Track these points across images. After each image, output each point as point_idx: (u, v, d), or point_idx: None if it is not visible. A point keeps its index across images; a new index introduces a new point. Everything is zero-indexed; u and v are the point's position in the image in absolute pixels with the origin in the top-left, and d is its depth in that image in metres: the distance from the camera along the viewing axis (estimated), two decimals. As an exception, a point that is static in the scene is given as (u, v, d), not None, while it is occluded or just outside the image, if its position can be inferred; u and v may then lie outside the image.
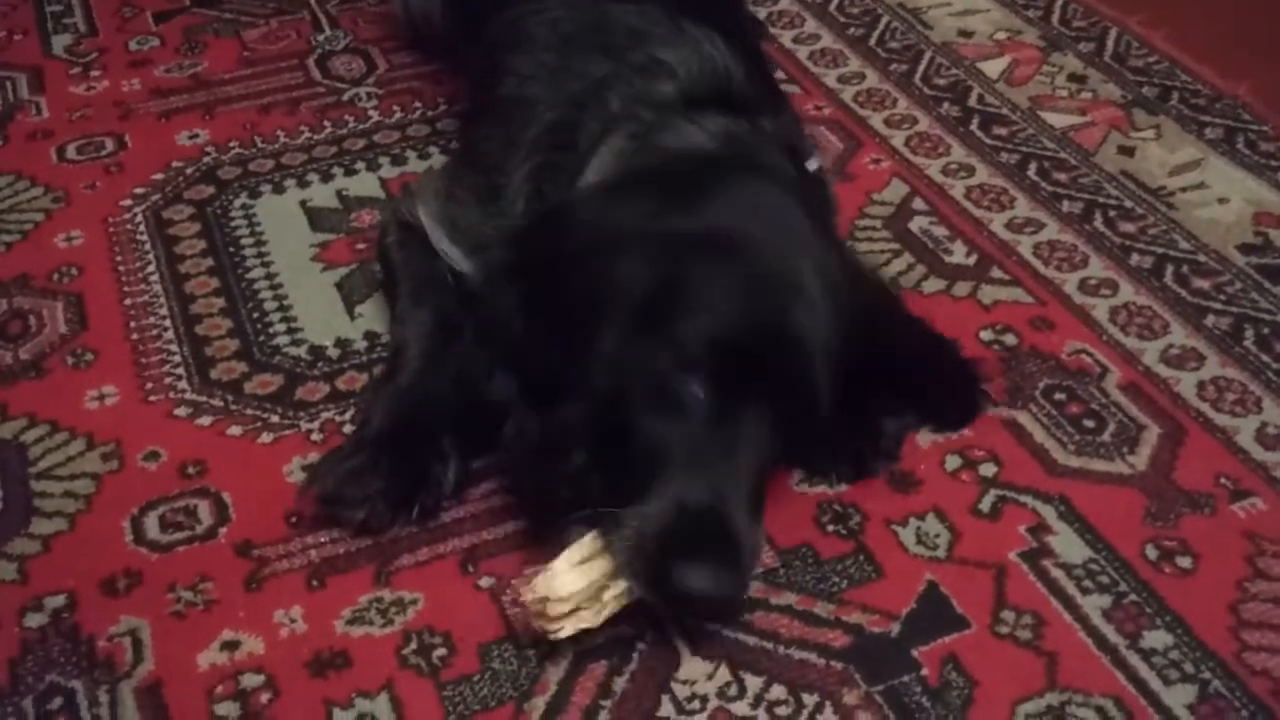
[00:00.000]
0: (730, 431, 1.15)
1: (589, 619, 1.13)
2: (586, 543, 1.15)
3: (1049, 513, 1.28)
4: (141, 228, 1.69)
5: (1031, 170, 1.76)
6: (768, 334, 1.16)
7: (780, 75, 1.97)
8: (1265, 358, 1.45)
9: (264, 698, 1.13)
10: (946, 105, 1.90)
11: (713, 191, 1.24)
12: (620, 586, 1.14)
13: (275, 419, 1.40)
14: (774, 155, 1.37)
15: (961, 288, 1.56)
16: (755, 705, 1.12)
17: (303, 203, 1.73)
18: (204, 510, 1.30)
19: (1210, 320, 1.51)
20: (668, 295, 1.17)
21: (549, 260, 1.25)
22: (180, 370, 1.46)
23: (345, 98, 1.95)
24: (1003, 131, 1.84)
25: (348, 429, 1.38)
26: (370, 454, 1.27)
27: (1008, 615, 1.18)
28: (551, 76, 1.50)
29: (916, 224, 1.67)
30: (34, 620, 1.20)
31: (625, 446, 1.16)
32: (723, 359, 1.15)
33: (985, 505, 1.29)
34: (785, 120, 1.51)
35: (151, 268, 1.62)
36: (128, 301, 1.57)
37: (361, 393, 1.42)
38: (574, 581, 1.12)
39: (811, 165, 1.45)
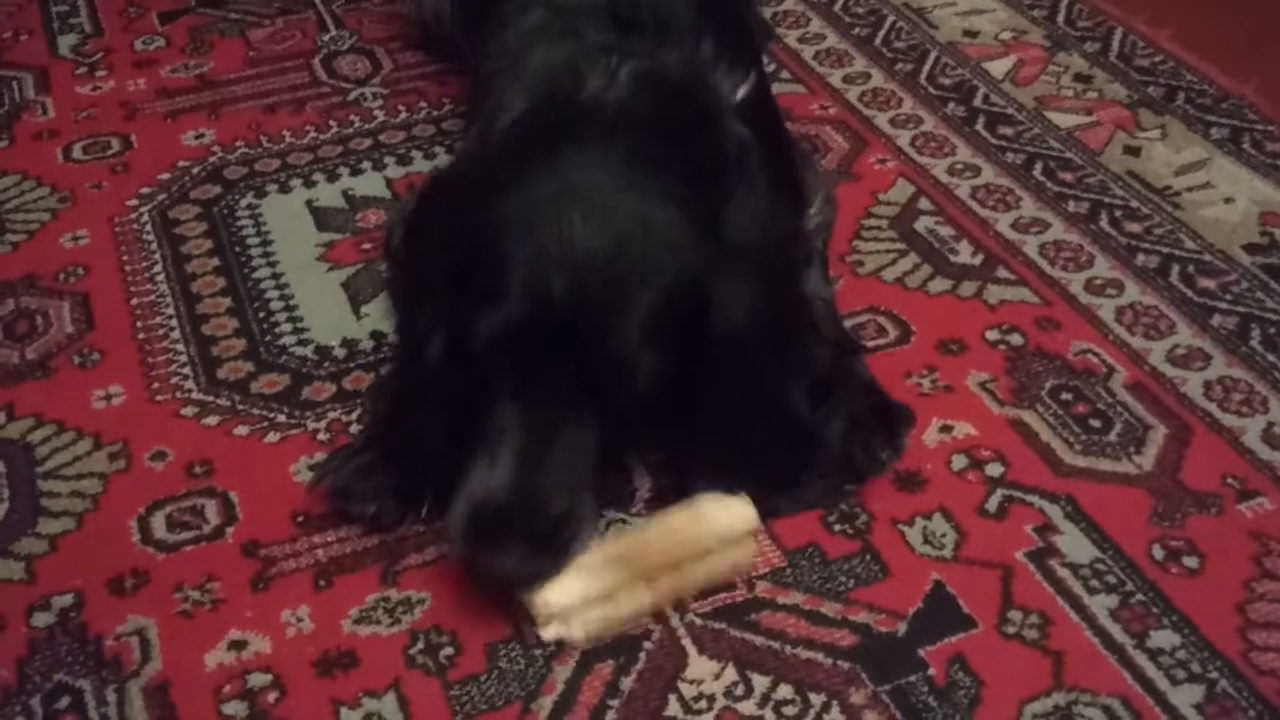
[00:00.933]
0: (533, 412, 1.17)
1: (573, 630, 1.15)
2: (599, 551, 1.15)
3: (1055, 512, 1.28)
4: (148, 227, 1.69)
5: (1037, 170, 1.76)
6: (545, 315, 1.15)
7: (785, 74, 1.98)
8: (1272, 357, 1.45)
9: (271, 697, 1.13)
10: (952, 105, 1.90)
11: (526, 171, 1.22)
12: (612, 608, 1.15)
13: (282, 419, 1.40)
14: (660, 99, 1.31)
15: (967, 287, 1.56)
16: (762, 705, 1.12)
17: (309, 202, 1.73)
18: (211, 510, 1.30)
19: (1216, 320, 1.51)
20: (461, 282, 1.20)
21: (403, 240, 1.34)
22: (187, 370, 1.47)
23: (351, 98, 1.95)
24: (1008, 131, 1.84)
25: (354, 429, 1.38)
26: (380, 450, 1.28)
27: (1014, 615, 1.18)
28: (515, 65, 1.49)
29: (922, 224, 1.67)
30: (41, 619, 1.20)
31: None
32: (507, 344, 1.16)
33: (992, 505, 1.29)
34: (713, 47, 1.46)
35: (158, 267, 1.62)
36: (134, 301, 1.57)
37: (368, 391, 1.42)
38: (568, 590, 1.14)
39: (739, 94, 1.44)
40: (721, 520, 1.19)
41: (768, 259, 1.27)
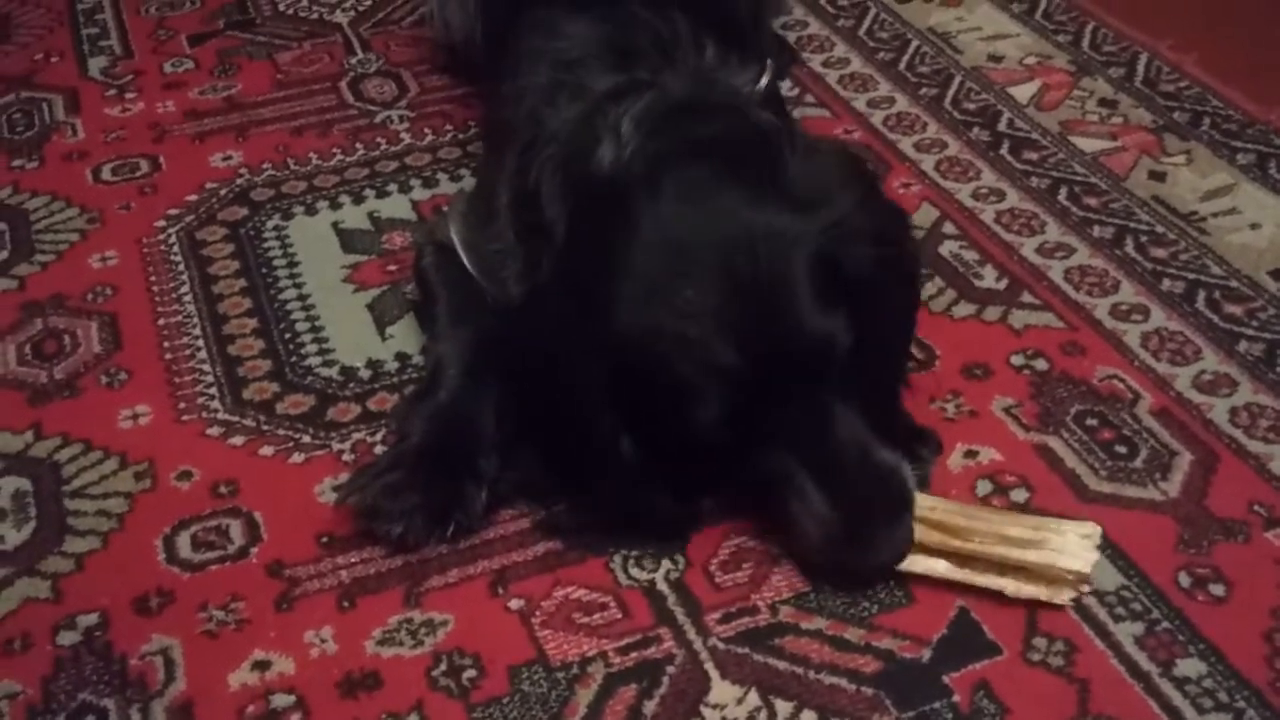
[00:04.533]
0: (796, 438, 1.20)
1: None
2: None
3: (1081, 539, 1.27)
4: (175, 248, 1.70)
5: (1062, 195, 1.75)
6: (744, 382, 1.17)
7: (809, 98, 1.98)
8: (1299, 384, 1.45)
9: (294, 718, 1.13)
10: (976, 130, 1.90)
11: (617, 284, 1.21)
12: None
13: (307, 439, 1.41)
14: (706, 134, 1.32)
15: (992, 312, 1.56)
16: (785, 730, 1.12)
17: (335, 224, 1.74)
18: (236, 530, 1.31)
19: (1243, 346, 1.50)
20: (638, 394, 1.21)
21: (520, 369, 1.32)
22: (213, 390, 1.47)
23: (377, 120, 1.96)
24: (1033, 156, 1.84)
25: (379, 449, 1.38)
26: (408, 469, 1.28)
27: (1039, 642, 1.18)
28: (524, 96, 1.50)
29: (947, 248, 1.67)
30: (67, 638, 1.21)
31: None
32: (727, 424, 1.18)
33: (1017, 531, 1.29)
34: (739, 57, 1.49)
35: (185, 288, 1.63)
36: (161, 322, 1.58)
37: (394, 411, 1.43)
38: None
39: (760, 84, 1.46)
40: (1059, 562, 1.19)
41: (854, 201, 1.31)
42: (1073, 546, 1.20)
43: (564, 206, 1.32)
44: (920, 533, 1.20)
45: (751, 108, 1.41)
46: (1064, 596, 1.19)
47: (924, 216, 1.72)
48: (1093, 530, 1.21)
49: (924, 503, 1.23)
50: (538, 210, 1.34)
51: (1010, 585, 1.20)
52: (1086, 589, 1.21)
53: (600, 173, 1.29)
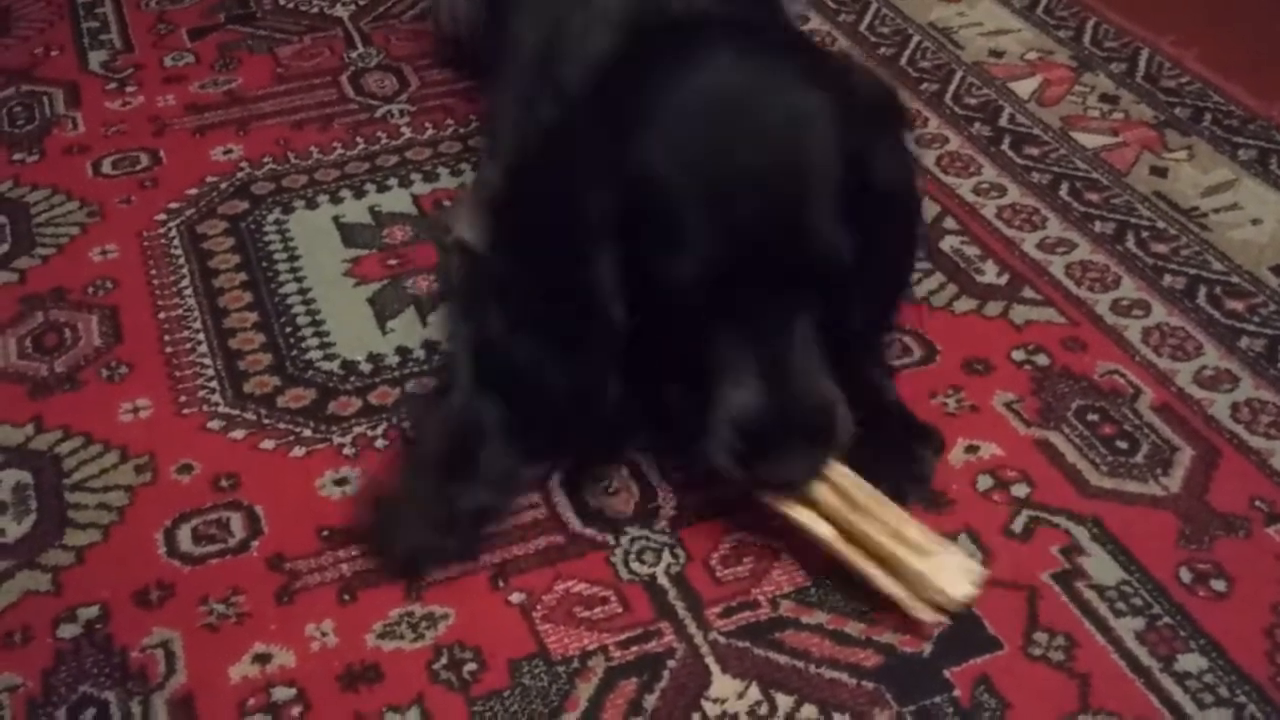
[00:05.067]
0: (758, 327, 1.18)
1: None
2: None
3: (1082, 534, 1.27)
4: (176, 242, 1.70)
5: (1063, 190, 1.75)
6: (743, 241, 1.15)
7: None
8: (1300, 380, 1.45)
9: (295, 711, 1.13)
10: (978, 125, 1.90)
11: (654, 101, 1.19)
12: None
13: (308, 433, 1.41)
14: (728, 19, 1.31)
15: (993, 307, 1.56)
16: (786, 724, 1.12)
17: (336, 218, 1.74)
18: (236, 523, 1.31)
19: (1244, 342, 1.50)
20: (639, 230, 1.18)
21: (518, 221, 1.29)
22: (213, 384, 1.47)
23: (378, 114, 1.96)
24: (1034, 151, 1.84)
25: (380, 443, 1.38)
26: (435, 491, 1.25)
27: (1040, 636, 1.18)
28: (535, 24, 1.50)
29: (948, 243, 1.67)
30: (67, 631, 1.21)
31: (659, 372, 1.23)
32: (713, 282, 1.16)
33: (1017, 526, 1.28)
34: None
35: (185, 282, 1.63)
36: (162, 315, 1.58)
37: (399, 405, 1.42)
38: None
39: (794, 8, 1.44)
40: (937, 577, 1.17)
41: (893, 107, 1.31)
42: (954, 572, 1.17)
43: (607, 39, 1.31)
44: (823, 493, 1.20)
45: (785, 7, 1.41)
46: (923, 612, 1.17)
47: (925, 212, 1.72)
48: (977, 571, 1.18)
49: (842, 471, 1.22)
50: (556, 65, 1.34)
51: (880, 578, 1.18)
52: (944, 619, 1.18)
53: (654, 19, 1.29)
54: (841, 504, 1.20)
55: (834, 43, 2.12)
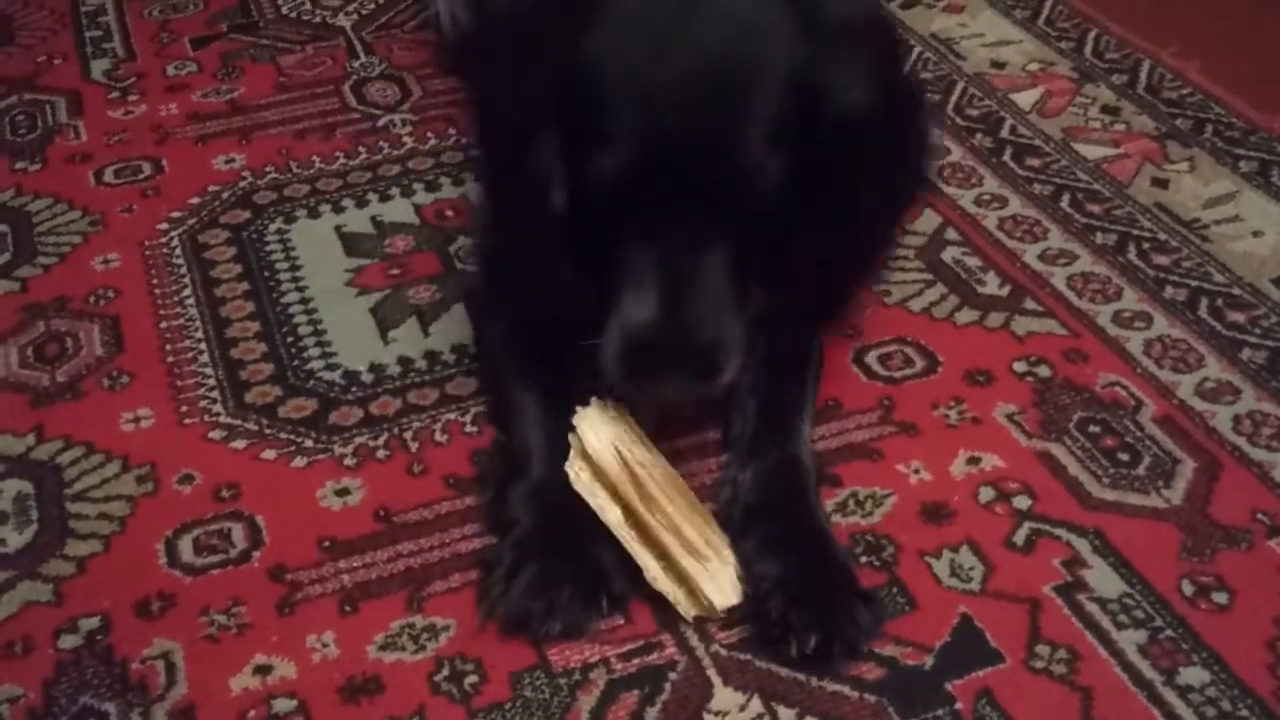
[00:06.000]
0: (670, 241, 1.16)
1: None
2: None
3: (1083, 546, 1.27)
4: (178, 251, 1.70)
5: (1065, 202, 1.76)
6: (663, 144, 1.13)
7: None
8: (1302, 392, 1.45)
9: (296, 722, 1.13)
10: (979, 136, 1.90)
11: None
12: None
13: (309, 443, 1.41)
14: None
15: (994, 319, 1.56)
16: (788, 737, 1.12)
17: (338, 228, 1.74)
18: (238, 534, 1.31)
19: (1246, 354, 1.50)
20: (573, 116, 1.18)
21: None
22: (215, 394, 1.47)
23: (380, 124, 1.96)
24: (1035, 163, 1.84)
25: (381, 453, 1.38)
26: (539, 562, 1.19)
27: (1042, 649, 1.18)
28: None
29: (949, 254, 1.67)
30: (68, 642, 1.20)
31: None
32: (630, 183, 1.14)
33: (1019, 538, 1.28)
34: None
35: (187, 291, 1.63)
36: (163, 325, 1.58)
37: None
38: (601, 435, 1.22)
39: None
40: (705, 583, 1.18)
41: (871, 31, 1.26)
42: (725, 579, 1.19)
43: None
44: (618, 475, 1.19)
45: None
46: (687, 610, 1.18)
47: (927, 222, 1.72)
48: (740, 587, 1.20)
49: (643, 453, 1.22)
50: None
51: (655, 569, 1.18)
52: (709, 623, 1.19)
53: None
54: (633, 490, 1.19)
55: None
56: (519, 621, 1.18)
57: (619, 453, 1.21)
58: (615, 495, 1.20)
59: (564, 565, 1.19)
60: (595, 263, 1.22)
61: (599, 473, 1.20)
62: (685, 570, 1.18)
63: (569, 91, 1.18)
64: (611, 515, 1.19)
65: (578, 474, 1.21)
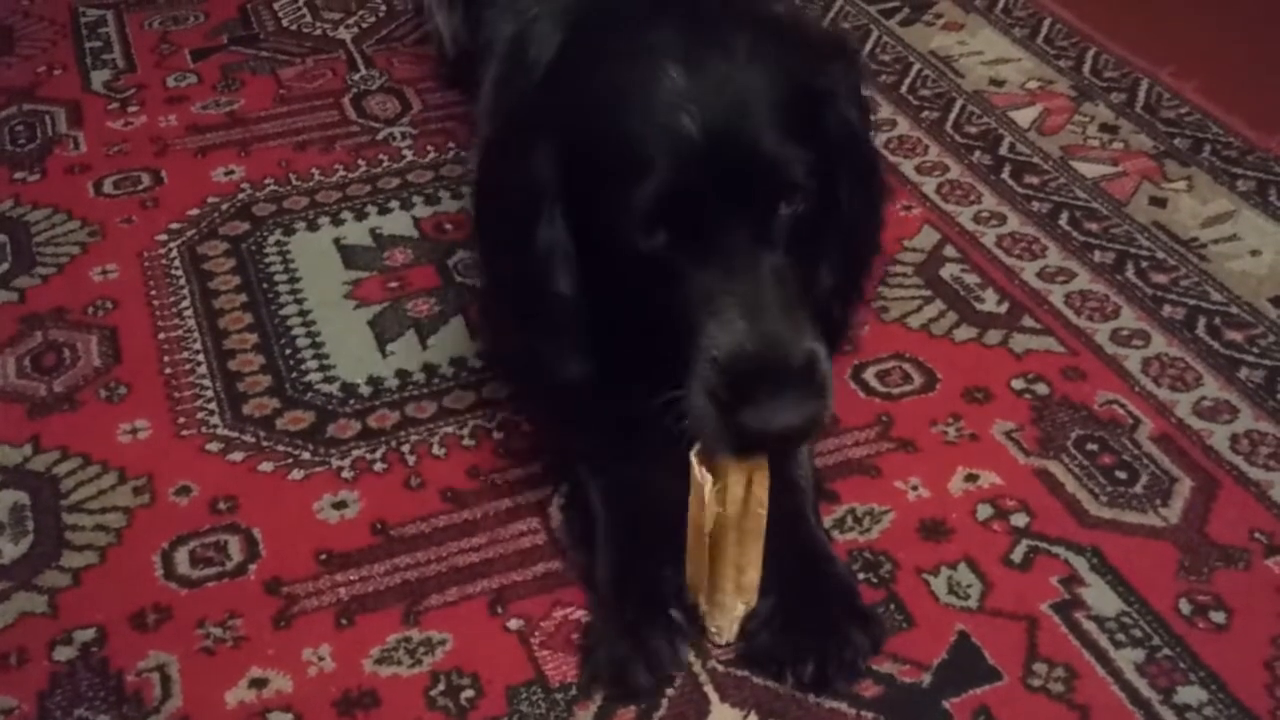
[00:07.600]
0: (729, 260, 1.13)
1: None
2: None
3: (1081, 564, 1.27)
4: (176, 263, 1.70)
5: (1063, 219, 1.76)
6: (696, 163, 1.13)
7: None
8: (1299, 412, 1.45)
9: (292, 736, 1.13)
10: (978, 153, 1.91)
11: (604, 60, 1.20)
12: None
13: (306, 456, 1.40)
14: None
15: (993, 336, 1.56)
16: (785, 754, 1.11)
17: (336, 240, 1.74)
18: (234, 546, 1.30)
19: (1243, 373, 1.50)
20: (586, 177, 1.17)
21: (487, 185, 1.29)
22: (213, 405, 1.47)
23: (380, 137, 1.96)
24: (1034, 180, 1.84)
25: (378, 466, 1.38)
26: (628, 637, 1.17)
27: (1040, 667, 1.17)
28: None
29: (948, 271, 1.67)
30: (63, 654, 1.20)
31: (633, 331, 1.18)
32: (672, 208, 1.13)
33: (1017, 555, 1.28)
34: None
35: (186, 303, 1.63)
36: (161, 336, 1.58)
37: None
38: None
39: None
40: (722, 617, 1.21)
41: (850, 54, 1.30)
42: (733, 624, 1.20)
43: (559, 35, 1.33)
44: (735, 487, 1.14)
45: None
46: (710, 623, 1.20)
47: (925, 239, 1.72)
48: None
49: (761, 498, 1.16)
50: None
51: (702, 580, 1.19)
52: (721, 640, 1.20)
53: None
54: (733, 509, 1.15)
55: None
56: (622, 692, 1.16)
57: (750, 479, 1.15)
58: (722, 498, 1.15)
59: (644, 637, 1.17)
60: (615, 326, 1.20)
61: (723, 490, 1.15)
62: (720, 600, 1.18)
63: (574, 151, 1.18)
64: (706, 515, 1.14)
65: (699, 465, 1.14)
